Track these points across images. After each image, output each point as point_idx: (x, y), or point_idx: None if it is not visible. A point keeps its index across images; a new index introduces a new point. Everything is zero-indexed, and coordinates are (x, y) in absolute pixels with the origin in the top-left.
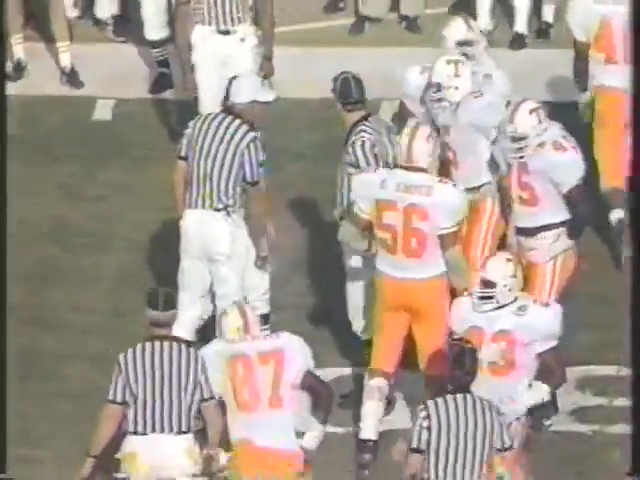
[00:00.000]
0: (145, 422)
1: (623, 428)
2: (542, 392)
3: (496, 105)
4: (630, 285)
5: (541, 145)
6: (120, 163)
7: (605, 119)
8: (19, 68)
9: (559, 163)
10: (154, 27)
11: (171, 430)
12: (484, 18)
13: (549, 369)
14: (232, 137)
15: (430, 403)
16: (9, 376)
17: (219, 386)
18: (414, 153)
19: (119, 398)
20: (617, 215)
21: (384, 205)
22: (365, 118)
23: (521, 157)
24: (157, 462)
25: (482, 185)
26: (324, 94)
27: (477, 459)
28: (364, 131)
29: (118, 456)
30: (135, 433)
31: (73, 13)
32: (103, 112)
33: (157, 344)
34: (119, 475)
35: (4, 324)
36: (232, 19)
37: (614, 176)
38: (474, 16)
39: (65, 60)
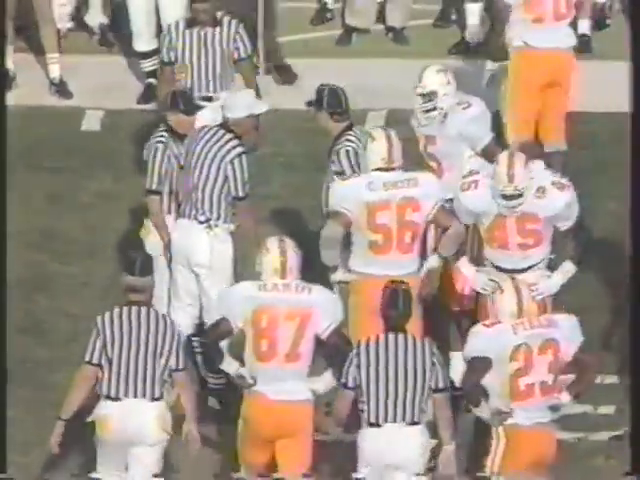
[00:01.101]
0: (118, 386)
1: (608, 435)
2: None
3: (483, 115)
4: (630, 285)
5: (541, 191)
6: (109, 173)
7: (524, 76)
8: (8, 79)
9: (569, 202)
10: (143, 38)
11: (144, 395)
12: (473, 28)
13: (583, 365)
14: (219, 151)
15: (362, 342)
16: None
17: (237, 327)
18: (394, 155)
19: (95, 359)
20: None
21: (376, 206)
22: (349, 128)
23: (518, 210)
24: (128, 426)
25: None
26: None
27: (409, 397)
28: (349, 140)
29: (91, 419)
30: (108, 397)
31: (67, 24)
32: (92, 123)
33: (134, 309)
34: (92, 475)
35: (4, 331)
36: (214, 87)
37: (521, 129)
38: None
39: (54, 71)
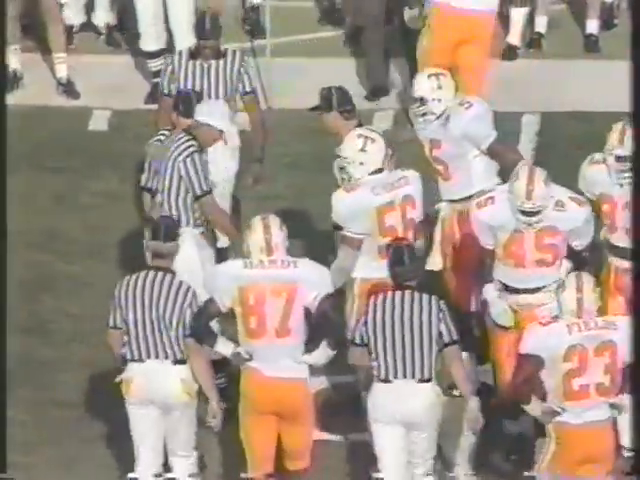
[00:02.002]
0: (140, 348)
1: None
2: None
3: (486, 114)
4: (630, 285)
5: (560, 204)
6: (115, 173)
7: (438, 33)
8: (15, 78)
9: (589, 218)
10: (151, 38)
11: (166, 357)
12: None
13: None
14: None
15: (371, 299)
16: (1, 382)
17: (225, 306)
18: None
19: (115, 323)
20: None
21: (384, 209)
22: (358, 127)
23: (538, 225)
24: (151, 387)
25: (471, 196)
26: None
27: (418, 353)
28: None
29: (117, 380)
30: (132, 359)
31: (78, 20)
32: (99, 123)
33: (151, 273)
34: (130, 475)
35: (4, 331)
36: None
37: None
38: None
39: (62, 71)
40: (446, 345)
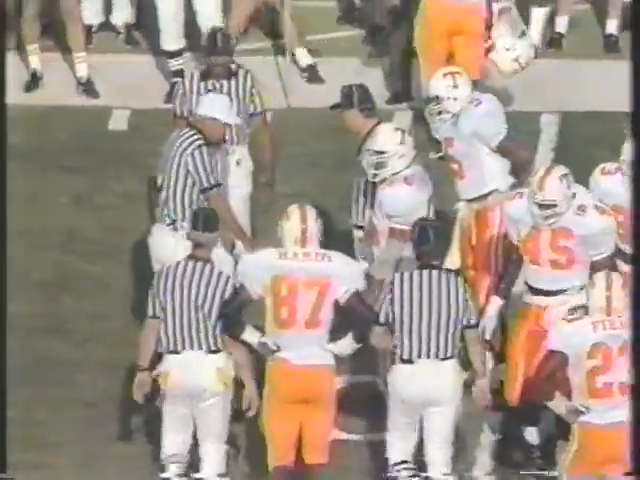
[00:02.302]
0: (176, 339)
1: None
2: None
3: (496, 111)
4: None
5: (582, 208)
6: (135, 173)
7: (431, 22)
8: (35, 78)
9: (607, 228)
10: (171, 37)
11: (200, 348)
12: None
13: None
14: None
15: (396, 276)
16: (21, 383)
17: (257, 294)
18: None
19: (154, 312)
20: None
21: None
22: (378, 125)
23: (553, 223)
24: (187, 379)
25: (488, 193)
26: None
27: (443, 332)
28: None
29: (155, 374)
30: (169, 351)
31: (97, 20)
32: (118, 122)
33: (190, 263)
34: (163, 475)
35: (4, 328)
36: (228, 141)
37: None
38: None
39: (81, 70)
40: (469, 326)
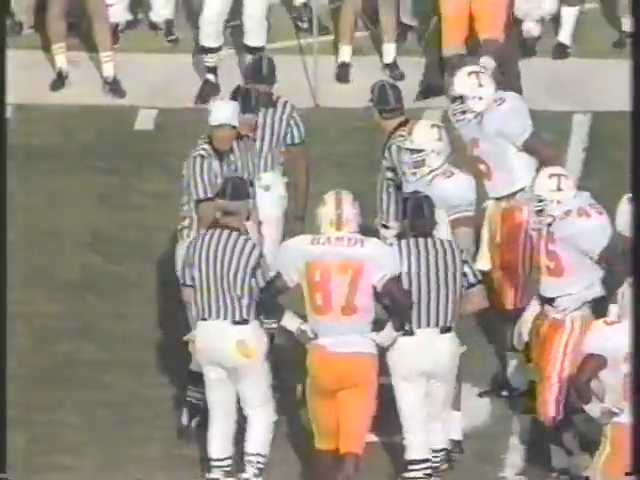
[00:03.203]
0: (203, 307)
1: None
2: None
3: (520, 109)
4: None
5: (567, 213)
6: (162, 173)
7: None
8: (60, 77)
9: (584, 230)
10: (211, 34)
11: (225, 317)
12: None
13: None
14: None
15: (394, 244)
16: (46, 384)
17: (293, 281)
18: None
19: (186, 280)
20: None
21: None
22: (404, 124)
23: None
24: (210, 347)
25: (515, 192)
26: (364, 103)
27: (442, 298)
28: (402, 136)
29: (185, 339)
30: (199, 318)
31: (124, 18)
32: (145, 122)
33: (217, 231)
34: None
35: (4, 326)
36: (259, 167)
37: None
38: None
39: (108, 69)
40: (472, 285)
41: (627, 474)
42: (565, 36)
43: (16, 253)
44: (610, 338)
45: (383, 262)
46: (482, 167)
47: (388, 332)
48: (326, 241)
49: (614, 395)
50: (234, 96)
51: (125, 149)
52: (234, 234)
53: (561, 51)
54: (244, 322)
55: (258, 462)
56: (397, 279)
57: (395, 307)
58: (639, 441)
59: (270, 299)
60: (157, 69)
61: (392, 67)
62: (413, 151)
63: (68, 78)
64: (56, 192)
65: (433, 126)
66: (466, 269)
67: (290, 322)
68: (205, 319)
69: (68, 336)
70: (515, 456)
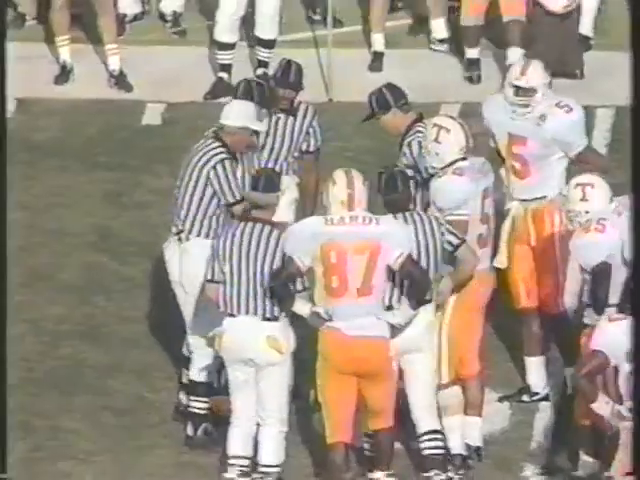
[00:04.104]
0: (232, 302)
1: None
2: None
3: (582, 121)
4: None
5: (585, 224)
6: (170, 169)
7: None
8: (65, 71)
9: (579, 245)
10: (227, 29)
11: (255, 313)
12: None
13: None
14: (200, 159)
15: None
16: (50, 389)
17: (305, 265)
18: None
19: (214, 276)
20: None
21: (484, 194)
22: (419, 120)
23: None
24: (237, 343)
25: (545, 197)
26: None
27: (432, 261)
28: (420, 132)
29: (211, 334)
30: (226, 314)
31: (131, 10)
32: (152, 116)
33: (249, 225)
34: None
35: (4, 331)
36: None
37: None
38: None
39: (114, 63)
40: (457, 247)
41: (627, 474)
42: (587, 28)
43: (19, 254)
44: (614, 336)
45: (399, 240)
46: (517, 165)
47: (404, 311)
48: (340, 221)
49: (621, 395)
50: (239, 91)
51: (132, 145)
52: (266, 228)
53: (583, 43)
54: (274, 319)
55: (273, 473)
56: (413, 258)
57: (413, 286)
58: (639, 438)
59: (282, 286)
60: (164, 62)
61: (444, 42)
62: (434, 144)
63: (73, 71)
64: (60, 189)
65: (452, 120)
66: (449, 237)
67: (302, 307)
68: (233, 315)
69: (73, 339)
70: (535, 463)
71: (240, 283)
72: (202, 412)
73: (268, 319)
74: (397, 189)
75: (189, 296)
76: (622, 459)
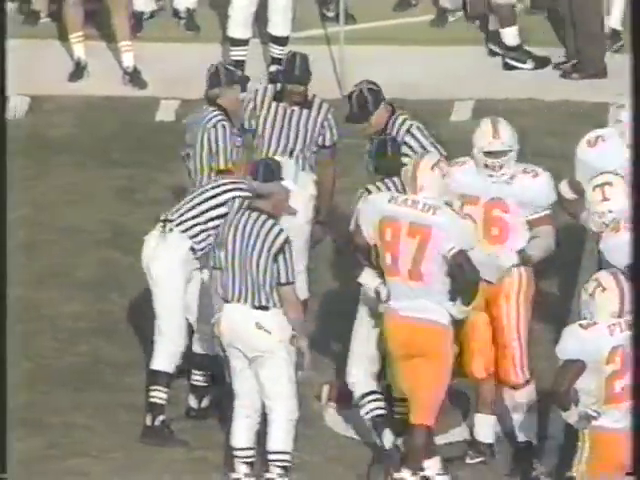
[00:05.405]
0: (227, 289)
1: None
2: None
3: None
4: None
5: (614, 223)
6: (183, 166)
7: None
8: (79, 68)
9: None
10: (240, 25)
11: (245, 301)
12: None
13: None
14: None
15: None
16: (65, 386)
17: (370, 237)
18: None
19: (214, 263)
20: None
21: None
22: (393, 113)
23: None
24: (230, 330)
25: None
26: (394, 94)
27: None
28: (407, 119)
29: (213, 321)
30: (224, 299)
31: (148, 7)
32: (166, 113)
33: (246, 214)
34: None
35: (4, 331)
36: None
37: None
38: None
39: (128, 60)
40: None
41: (628, 474)
42: (615, 21)
43: (33, 251)
44: (589, 342)
45: (453, 233)
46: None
47: (458, 306)
48: (402, 202)
49: (590, 399)
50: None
51: (145, 141)
52: (262, 217)
53: (614, 36)
54: (264, 308)
55: (282, 460)
56: (467, 254)
57: (464, 281)
58: (638, 442)
59: (353, 255)
60: (178, 59)
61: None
62: (498, 153)
63: (87, 68)
64: (74, 186)
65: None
66: None
67: (369, 279)
68: (228, 301)
69: (88, 336)
70: (547, 460)
71: (234, 270)
72: (161, 402)
73: (258, 307)
74: (386, 155)
75: (160, 290)
76: (585, 467)
